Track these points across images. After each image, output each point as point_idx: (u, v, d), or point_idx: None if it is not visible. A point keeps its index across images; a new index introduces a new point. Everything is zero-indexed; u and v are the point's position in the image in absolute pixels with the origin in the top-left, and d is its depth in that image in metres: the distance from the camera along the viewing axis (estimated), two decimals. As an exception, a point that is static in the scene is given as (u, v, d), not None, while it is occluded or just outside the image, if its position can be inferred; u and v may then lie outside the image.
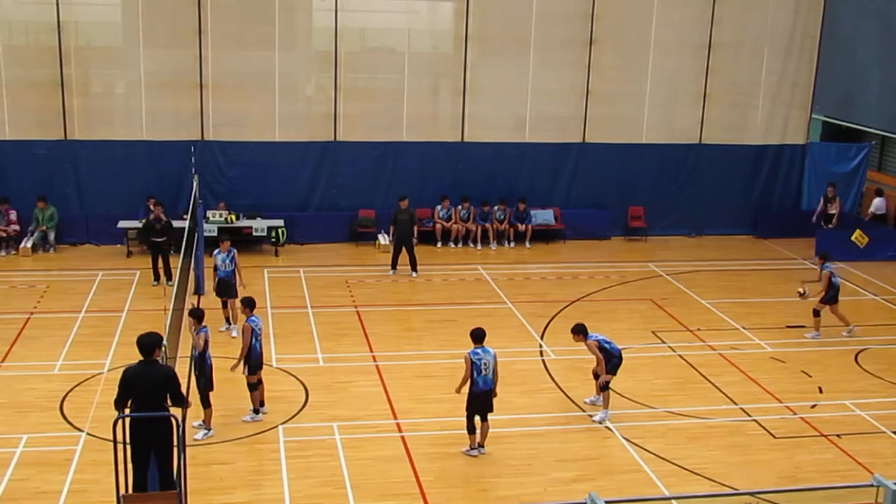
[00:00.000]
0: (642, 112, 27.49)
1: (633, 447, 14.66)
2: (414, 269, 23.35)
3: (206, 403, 14.54)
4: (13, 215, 24.23)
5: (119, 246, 24.77)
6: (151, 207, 23.29)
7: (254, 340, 14.96)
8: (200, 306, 16.97)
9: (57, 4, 24.33)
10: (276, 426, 14.97)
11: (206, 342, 14.43)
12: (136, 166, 25.08)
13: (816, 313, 19.69)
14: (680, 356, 18.53)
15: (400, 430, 15.03)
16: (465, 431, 14.35)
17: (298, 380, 16.80)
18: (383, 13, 26.80)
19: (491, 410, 14.33)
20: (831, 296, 19.60)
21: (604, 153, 27.18)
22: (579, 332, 15.42)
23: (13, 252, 24.22)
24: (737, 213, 28.15)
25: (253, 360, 14.99)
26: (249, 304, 15.36)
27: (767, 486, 13.51)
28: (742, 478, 13.82)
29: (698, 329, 19.96)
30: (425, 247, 25.21)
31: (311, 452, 14.24)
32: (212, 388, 14.56)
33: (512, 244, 26.46)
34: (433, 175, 26.48)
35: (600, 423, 15.37)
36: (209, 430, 14.59)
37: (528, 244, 26.47)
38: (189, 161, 22.37)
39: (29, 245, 24.25)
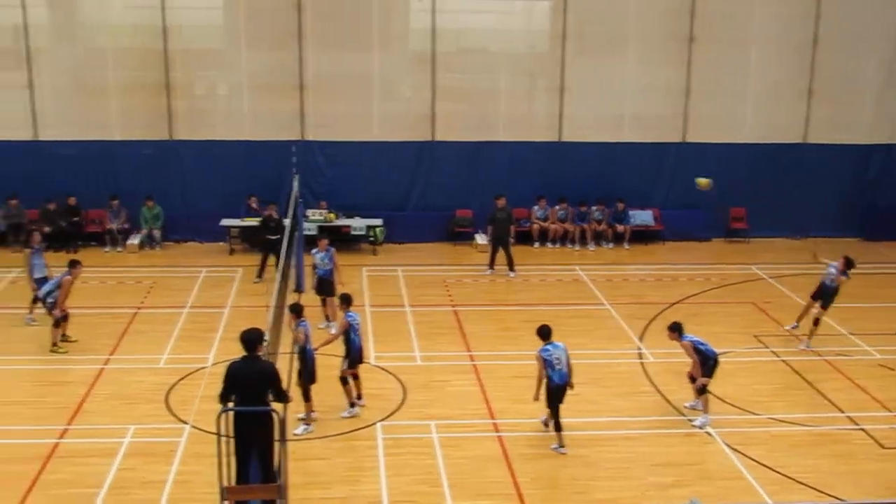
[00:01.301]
0: (744, 110, 27.01)
1: (735, 453, 14.37)
2: (511, 268, 23.31)
3: (306, 397, 14.76)
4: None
5: (221, 244, 25.28)
6: (254, 206, 23.77)
7: (353, 335, 15.17)
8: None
9: (162, 9, 24.95)
10: (373, 423, 15.08)
11: (307, 336, 14.67)
12: (237, 166, 25.56)
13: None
14: (783, 361, 18.12)
15: (496, 430, 15.00)
16: (558, 431, 14.37)
17: (396, 378, 16.90)
18: (479, 13, 26.80)
19: (562, 402, 14.42)
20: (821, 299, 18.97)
21: (704, 153, 26.69)
22: (675, 329, 15.23)
23: (120, 249, 24.92)
24: (844, 214, 27.40)
25: (352, 354, 15.18)
26: (346, 300, 15.66)
27: (875, 497, 13.12)
28: (848, 488, 13.41)
29: (802, 334, 19.47)
30: (522, 247, 25.15)
31: (407, 450, 14.30)
32: (314, 381, 14.80)
33: (610, 245, 26.25)
34: (530, 175, 26.38)
35: (700, 427, 15.11)
36: (309, 425, 14.78)
37: (626, 245, 26.23)
38: (289, 161, 22.68)
39: (136, 242, 24.95)
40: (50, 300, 17.92)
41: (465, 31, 27.14)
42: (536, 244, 26.06)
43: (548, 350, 14.29)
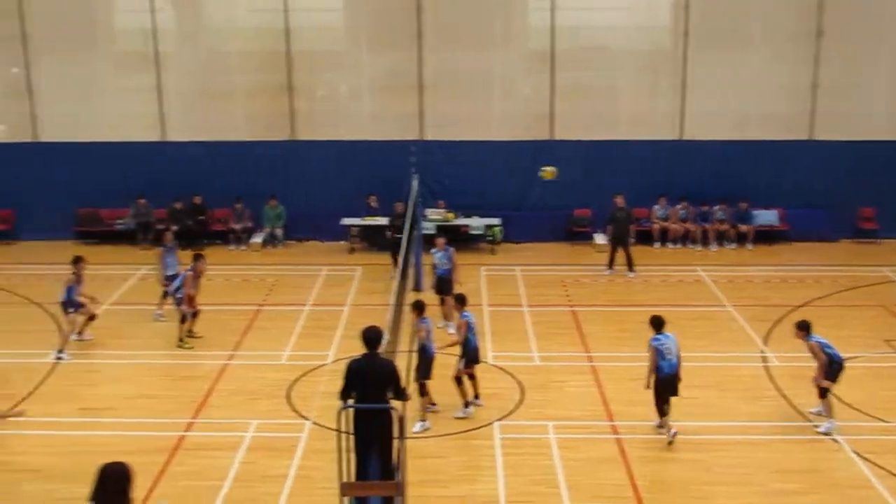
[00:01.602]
0: (874, 107, 26.07)
1: (864, 462, 13.87)
2: (631, 268, 23.03)
3: (421, 392, 14.87)
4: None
5: (342, 242, 25.63)
6: (373, 205, 24.05)
7: (469, 335, 15.25)
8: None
9: (285, 11, 25.43)
10: (490, 423, 15.07)
11: (428, 332, 14.82)
12: (358, 166, 25.87)
13: None
14: (916, 367, 17.47)
15: (615, 432, 14.82)
16: (678, 434, 14.18)
17: (514, 378, 16.86)
18: (599, 10, 26.59)
19: (676, 394, 14.41)
20: None
21: (832, 151, 25.92)
22: (802, 328, 14.87)
23: (244, 247, 25.52)
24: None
25: (469, 354, 15.24)
26: (461, 300, 15.84)
27: None
28: None
29: (936, 338, 18.75)
30: (643, 246, 24.79)
31: (525, 450, 14.25)
32: (429, 377, 14.93)
33: (732, 245, 25.71)
34: (650, 174, 25.99)
35: (826, 434, 14.65)
36: (425, 421, 14.86)
37: (749, 245, 25.64)
38: (408, 160, 22.86)
39: (259, 241, 25.52)
40: (178, 296, 18.46)
41: (584, 29, 26.88)
42: (657, 244, 25.70)
43: (659, 339, 14.30)
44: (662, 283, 22.68)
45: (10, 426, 14.71)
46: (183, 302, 18.39)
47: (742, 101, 26.10)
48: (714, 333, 19.16)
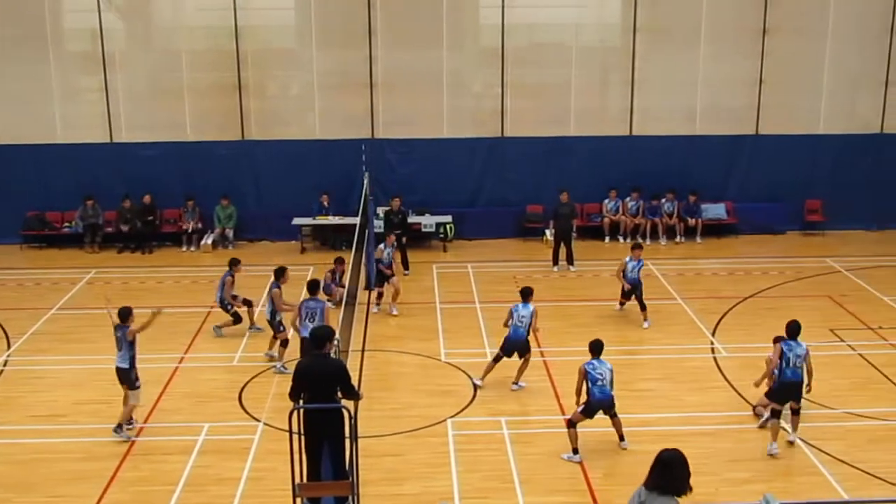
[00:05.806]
0: (819, 102, 26.47)
1: (811, 449, 14.13)
2: (570, 263, 23.17)
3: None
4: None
5: (293, 242, 25.54)
6: (325, 204, 24.00)
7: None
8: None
9: (234, 10, 25.27)
10: (444, 420, 15.12)
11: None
12: (309, 165, 25.79)
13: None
14: (860, 355, 17.76)
15: (568, 426, 14.91)
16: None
17: (467, 374, 16.92)
18: (550, 8, 26.76)
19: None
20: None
21: (778, 145, 26.32)
22: None
23: (195, 249, 25.32)
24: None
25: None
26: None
27: (958, 492, 12.81)
28: (929, 484, 13.12)
29: (879, 327, 19.08)
30: (594, 242, 25.04)
31: (479, 446, 14.32)
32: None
33: (682, 239, 25.95)
34: (602, 170, 26.18)
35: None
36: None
37: (698, 239, 25.91)
38: (360, 159, 22.86)
39: (209, 242, 25.34)
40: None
41: (536, 26, 27.02)
42: (607, 239, 25.89)
43: (592, 364, 14.06)
44: (613, 279, 22.77)
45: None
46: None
47: (691, 96, 26.39)
48: (664, 326, 19.37)
